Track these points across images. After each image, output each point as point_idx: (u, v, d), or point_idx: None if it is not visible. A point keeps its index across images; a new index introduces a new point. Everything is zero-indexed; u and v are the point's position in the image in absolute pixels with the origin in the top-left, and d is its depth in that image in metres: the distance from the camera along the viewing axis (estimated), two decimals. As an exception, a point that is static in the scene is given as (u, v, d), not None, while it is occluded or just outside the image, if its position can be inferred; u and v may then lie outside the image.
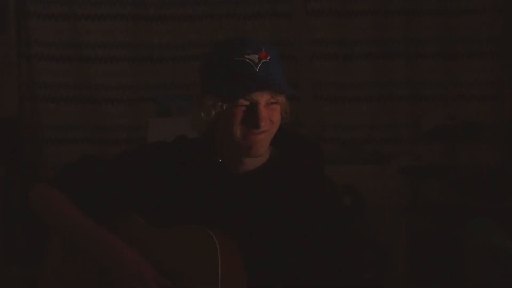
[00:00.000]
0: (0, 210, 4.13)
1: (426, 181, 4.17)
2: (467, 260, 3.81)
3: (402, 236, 4.13)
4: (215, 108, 1.76)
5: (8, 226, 4.13)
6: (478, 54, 4.27)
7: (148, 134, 3.99)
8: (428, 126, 4.02)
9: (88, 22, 4.37)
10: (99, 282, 1.84)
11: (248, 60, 1.74)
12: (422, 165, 3.95)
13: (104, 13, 4.38)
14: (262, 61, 1.74)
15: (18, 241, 4.15)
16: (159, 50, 4.41)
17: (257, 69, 1.73)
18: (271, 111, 1.76)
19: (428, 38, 4.29)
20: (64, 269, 1.90)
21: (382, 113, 4.36)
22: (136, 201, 1.86)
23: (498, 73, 4.26)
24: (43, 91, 4.39)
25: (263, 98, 1.74)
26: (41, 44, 4.36)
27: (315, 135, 4.34)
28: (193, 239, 1.75)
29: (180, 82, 4.40)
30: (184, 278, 1.73)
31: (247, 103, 1.74)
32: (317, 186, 1.82)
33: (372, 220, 4.11)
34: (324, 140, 4.36)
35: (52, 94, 4.39)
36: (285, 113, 1.81)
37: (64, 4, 4.36)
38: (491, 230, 3.29)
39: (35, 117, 4.39)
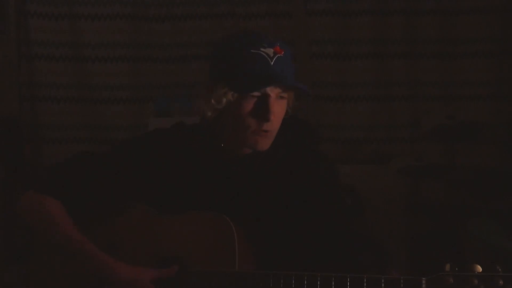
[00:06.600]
0: (0, 210, 4.13)
1: (426, 181, 4.17)
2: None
3: (402, 236, 4.13)
4: (226, 96, 1.76)
5: (8, 226, 4.13)
6: (478, 54, 4.27)
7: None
8: (428, 126, 4.02)
9: (88, 22, 4.38)
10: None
11: (263, 53, 1.75)
12: (422, 165, 3.95)
13: (104, 13, 4.38)
14: (277, 56, 1.76)
15: (18, 241, 4.15)
16: (159, 50, 4.41)
17: (272, 63, 1.76)
18: (279, 106, 1.78)
19: (428, 38, 4.29)
20: (56, 266, 1.87)
21: (381, 113, 4.36)
22: (140, 190, 1.85)
23: (498, 73, 4.27)
24: (43, 91, 4.39)
25: (274, 91, 1.76)
26: (41, 44, 4.37)
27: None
28: (205, 223, 1.75)
29: (180, 82, 4.40)
30: (199, 262, 1.73)
31: (258, 94, 1.75)
32: (310, 164, 1.86)
33: (372, 220, 4.11)
34: (324, 140, 4.36)
35: (52, 94, 4.39)
36: (289, 108, 1.83)
37: (64, 4, 4.37)
38: (491, 230, 3.29)
39: (35, 117, 4.39)
